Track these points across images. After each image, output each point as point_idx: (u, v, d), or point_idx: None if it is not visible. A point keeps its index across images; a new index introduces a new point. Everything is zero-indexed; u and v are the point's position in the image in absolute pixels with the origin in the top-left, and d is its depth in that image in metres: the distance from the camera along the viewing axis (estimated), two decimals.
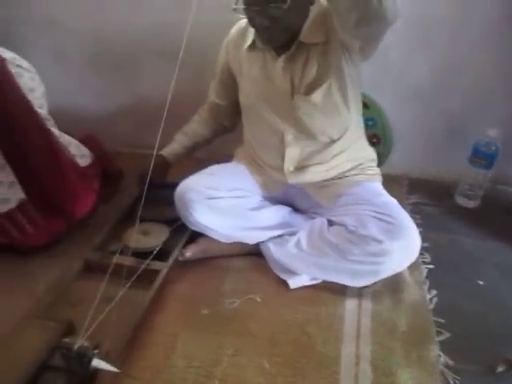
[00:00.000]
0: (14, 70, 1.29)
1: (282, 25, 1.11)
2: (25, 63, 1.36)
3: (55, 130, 1.40)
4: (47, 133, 1.33)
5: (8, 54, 1.30)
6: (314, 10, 1.15)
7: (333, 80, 1.19)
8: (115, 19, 1.78)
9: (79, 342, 0.93)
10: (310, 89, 1.20)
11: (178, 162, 1.51)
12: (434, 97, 1.66)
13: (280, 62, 1.19)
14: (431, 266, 1.34)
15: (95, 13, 1.78)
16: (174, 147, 1.50)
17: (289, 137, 1.28)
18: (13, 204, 1.32)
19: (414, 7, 1.50)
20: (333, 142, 1.29)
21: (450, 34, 1.54)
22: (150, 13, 1.74)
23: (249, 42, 1.25)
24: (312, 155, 1.31)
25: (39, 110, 1.34)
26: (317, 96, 1.20)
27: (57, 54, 1.91)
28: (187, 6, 1.64)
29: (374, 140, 1.72)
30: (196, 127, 1.51)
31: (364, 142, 1.42)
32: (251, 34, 1.25)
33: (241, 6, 1.10)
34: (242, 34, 1.30)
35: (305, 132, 1.27)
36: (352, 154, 1.35)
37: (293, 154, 1.31)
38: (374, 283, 1.24)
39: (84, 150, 1.54)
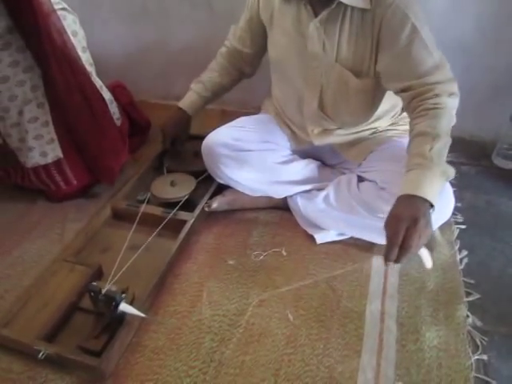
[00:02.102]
0: (59, 12, 1.27)
1: None
2: (67, 6, 1.35)
3: (99, 81, 1.42)
4: (90, 92, 1.35)
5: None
6: None
7: (371, 59, 1.08)
8: None
9: (107, 286, 0.95)
10: (344, 59, 1.10)
11: (197, 113, 1.44)
12: (480, 50, 1.55)
13: (316, 21, 1.08)
14: (463, 227, 1.30)
15: None
16: (192, 99, 1.41)
17: (309, 100, 1.22)
18: (49, 159, 1.36)
19: None
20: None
21: None
22: None
23: None
24: (329, 123, 1.25)
25: (82, 54, 1.34)
26: (349, 65, 1.10)
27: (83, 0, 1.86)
28: None
29: None
30: (215, 76, 1.40)
31: (398, 99, 1.33)
32: None
33: None
34: None
35: (323, 105, 1.21)
36: (383, 115, 1.28)
37: (311, 118, 1.26)
38: None
39: (118, 112, 1.54)
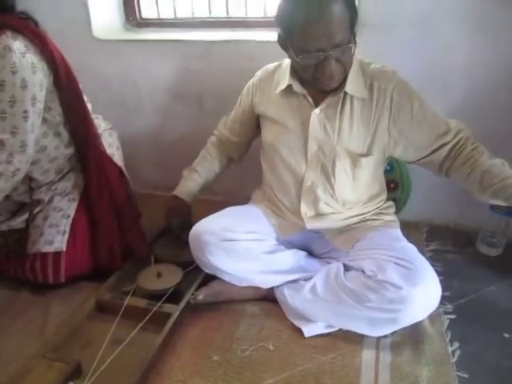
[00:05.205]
0: (108, 132, 1.54)
1: (347, 68, 1.12)
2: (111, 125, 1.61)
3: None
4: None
5: (103, 123, 1.55)
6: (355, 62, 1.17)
7: (374, 141, 1.22)
8: (140, 64, 1.85)
9: None
10: (345, 141, 1.21)
11: (193, 201, 1.50)
12: None
13: (317, 110, 1.20)
14: (453, 316, 1.29)
15: (122, 58, 1.86)
16: (188, 187, 1.48)
17: (308, 183, 1.28)
18: (51, 249, 1.38)
19: (433, 55, 1.52)
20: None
21: (468, 79, 1.55)
22: (173, 58, 1.81)
23: (281, 86, 1.24)
24: (328, 205, 1.31)
25: (121, 164, 1.54)
26: (350, 145, 1.22)
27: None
28: (209, 53, 1.74)
29: (392, 185, 1.70)
30: (207, 164, 1.50)
31: (384, 189, 1.40)
32: (284, 77, 1.23)
33: (307, 54, 1.06)
34: (270, 77, 1.31)
35: (326, 185, 1.27)
36: (371, 202, 1.35)
37: (309, 200, 1.31)
38: (393, 333, 1.19)
39: None
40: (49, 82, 1.29)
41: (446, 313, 1.30)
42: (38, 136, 1.31)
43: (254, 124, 1.41)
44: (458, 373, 1.10)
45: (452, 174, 1.22)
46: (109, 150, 1.48)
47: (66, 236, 1.39)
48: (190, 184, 1.48)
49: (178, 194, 1.47)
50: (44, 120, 1.32)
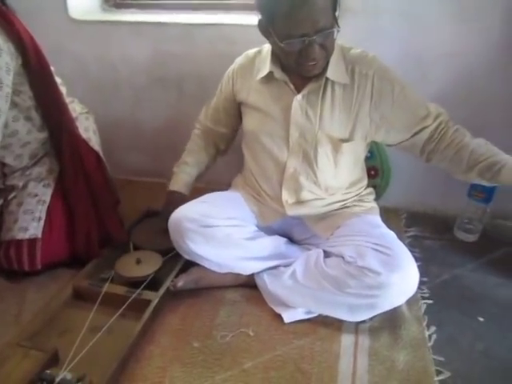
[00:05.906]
0: (83, 115, 1.51)
1: (329, 53, 1.11)
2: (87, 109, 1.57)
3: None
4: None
5: (78, 106, 1.51)
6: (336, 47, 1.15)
7: (356, 126, 1.22)
8: (119, 46, 1.81)
9: (61, 374, 0.89)
10: (327, 126, 1.21)
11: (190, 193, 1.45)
12: None
13: (298, 96, 1.19)
14: (430, 301, 1.31)
15: (99, 40, 1.81)
16: (183, 180, 1.43)
17: (291, 169, 1.27)
18: (26, 235, 1.34)
19: (415, 42, 1.53)
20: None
21: (449, 67, 1.56)
22: (153, 40, 1.77)
23: (262, 73, 1.22)
24: (311, 191, 1.30)
25: (98, 149, 1.52)
26: (332, 131, 1.21)
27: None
28: (190, 36, 1.70)
29: (372, 172, 1.71)
30: (197, 157, 1.46)
31: (364, 175, 1.42)
32: (264, 64, 1.22)
33: (291, 40, 1.04)
34: (251, 64, 1.28)
35: (309, 171, 1.27)
36: (352, 188, 1.36)
37: (291, 187, 1.30)
38: (372, 318, 1.21)
39: None
40: (17, 65, 1.24)
41: (424, 298, 1.32)
42: (7, 120, 1.27)
43: (238, 112, 1.38)
44: (435, 356, 1.13)
45: (435, 157, 1.22)
46: (85, 135, 1.45)
47: (42, 222, 1.36)
48: (183, 177, 1.43)
49: (173, 188, 1.42)
50: (14, 104, 1.28)
